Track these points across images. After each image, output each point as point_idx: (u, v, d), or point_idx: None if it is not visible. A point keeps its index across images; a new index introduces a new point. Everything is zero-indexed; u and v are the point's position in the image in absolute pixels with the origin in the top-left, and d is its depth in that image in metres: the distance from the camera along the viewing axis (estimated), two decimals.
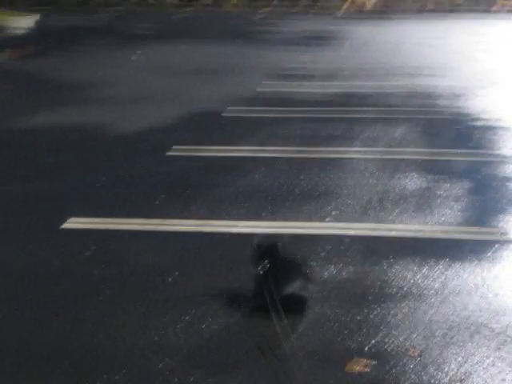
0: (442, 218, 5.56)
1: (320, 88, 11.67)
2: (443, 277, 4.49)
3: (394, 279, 4.46)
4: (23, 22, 23.46)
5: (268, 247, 4.07)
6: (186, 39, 19.21)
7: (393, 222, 5.51)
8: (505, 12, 28.19)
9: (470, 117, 9.37)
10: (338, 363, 3.49)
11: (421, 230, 5.33)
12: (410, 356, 3.56)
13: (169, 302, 4.15)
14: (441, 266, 4.64)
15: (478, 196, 6.21)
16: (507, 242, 5.16)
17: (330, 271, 4.56)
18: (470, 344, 3.67)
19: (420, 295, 4.24)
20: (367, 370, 3.44)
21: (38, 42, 18.89)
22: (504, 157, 7.46)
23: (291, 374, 3.37)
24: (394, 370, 3.44)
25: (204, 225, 5.44)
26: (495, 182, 6.60)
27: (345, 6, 30.01)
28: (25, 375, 3.43)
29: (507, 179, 6.66)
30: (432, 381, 3.36)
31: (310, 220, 5.53)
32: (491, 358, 3.54)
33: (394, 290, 4.32)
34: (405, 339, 3.72)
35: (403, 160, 7.24)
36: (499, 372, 3.43)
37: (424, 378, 3.38)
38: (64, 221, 5.49)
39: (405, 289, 4.33)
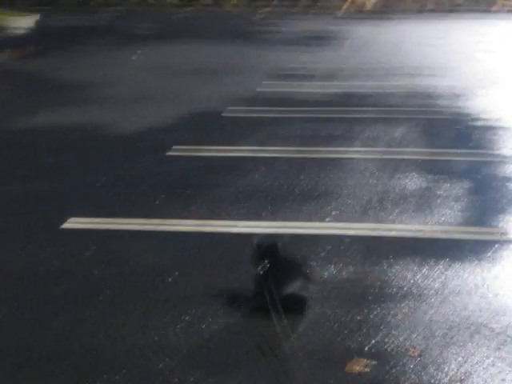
0: (442, 218, 5.56)
1: (320, 88, 11.67)
2: (443, 277, 4.49)
3: (394, 279, 4.46)
4: (23, 22, 23.47)
5: (268, 247, 4.07)
6: (186, 39, 19.22)
7: (393, 221, 5.51)
8: (505, 12, 28.19)
9: (470, 117, 9.37)
10: (338, 363, 3.49)
11: (421, 230, 5.33)
12: (410, 356, 3.55)
13: (169, 302, 4.15)
14: (441, 266, 4.64)
15: (478, 196, 6.21)
16: (507, 241, 5.16)
17: (329, 271, 4.56)
18: (470, 344, 3.67)
19: (420, 295, 4.23)
20: (367, 369, 3.44)
21: (38, 41, 18.89)
22: (504, 157, 7.46)
23: (291, 374, 3.37)
24: (393, 370, 3.44)
25: (204, 225, 5.44)
26: (495, 181, 6.60)
27: (345, 6, 30.01)
28: (25, 375, 3.43)
29: (507, 179, 6.66)
30: (432, 381, 3.36)
31: (309, 220, 5.53)
32: (491, 358, 3.54)
33: (394, 290, 4.32)
34: (405, 339, 3.72)
35: (403, 160, 7.24)
36: (499, 372, 3.43)
37: (424, 378, 3.38)
38: (64, 221, 5.49)
39: (405, 289, 4.32)
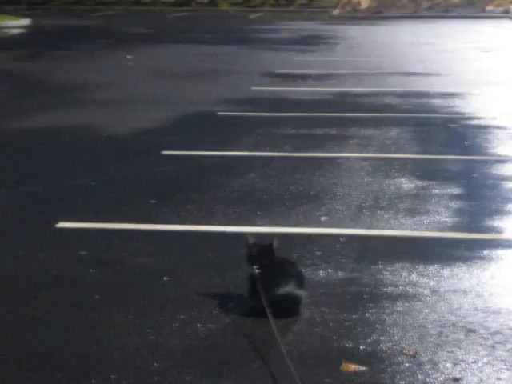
0: (438, 218, 5.57)
1: (314, 88, 11.69)
2: (438, 276, 4.49)
3: (388, 280, 4.46)
4: (17, 24, 23.41)
5: (262, 248, 4.06)
6: (182, 39, 19.23)
7: (387, 221, 5.51)
8: (499, 12, 28.25)
9: (465, 116, 9.40)
10: (333, 363, 3.49)
11: (416, 231, 5.33)
12: (405, 355, 3.55)
13: (164, 301, 4.15)
14: (436, 266, 4.65)
15: (474, 196, 6.23)
16: (502, 241, 5.18)
17: (323, 273, 4.56)
18: (465, 343, 3.67)
19: (415, 295, 4.24)
20: (362, 369, 3.44)
21: (31, 43, 18.87)
22: (499, 156, 7.48)
23: (286, 375, 3.37)
24: (389, 369, 3.44)
25: (198, 225, 5.43)
26: (491, 181, 6.61)
27: (340, 6, 30.04)
28: (21, 376, 3.42)
29: (502, 179, 6.67)
30: (427, 380, 3.36)
31: (303, 222, 5.53)
32: (487, 358, 3.54)
33: (390, 289, 4.32)
34: (400, 338, 3.72)
35: (398, 160, 7.25)
36: (495, 371, 3.43)
37: (419, 377, 3.38)
38: (58, 222, 5.47)
39: (400, 288, 4.33)
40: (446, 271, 4.56)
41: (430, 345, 3.65)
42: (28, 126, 8.93)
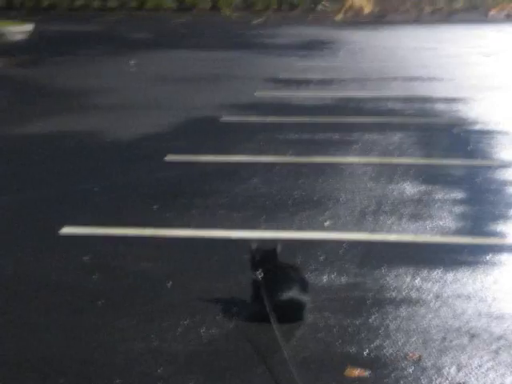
0: (441, 223, 5.56)
1: (318, 93, 11.68)
2: (442, 281, 4.49)
3: (391, 285, 4.46)
4: (20, 29, 23.43)
5: (265, 254, 4.06)
6: (185, 44, 19.22)
7: (391, 226, 5.50)
8: (503, 16, 28.22)
9: (468, 121, 9.38)
10: (336, 369, 3.48)
11: (419, 235, 5.33)
12: (409, 360, 3.55)
13: (167, 308, 4.14)
14: (439, 271, 4.64)
15: (477, 200, 6.22)
16: (505, 246, 5.17)
17: (327, 278, 4.56)
18: (469, 348, 3.67)
19: (419, 300, 4.23)
20: (366, 374, 3.43)
21: (35, 48, 18.87)
22: (502, 161, 7.47)
23: (289, 380, 3.37)
24: (393, 374, 3.43)
25: (201, 231, 5.43)
26: (493, 187, 6.60)
27: (343, 11, 30.04)
28: (24, 382, 3.42)
29: (506, 184, 6.67)
30: None
31: (306, 227, 5.52)
32: (491, 363, 3.53)
33: (393, 294, 4.31)
34: (403, 344, 3.71)
35: (401, 165, 7.24)
36: (498, 376, 3.42)
37: (423, 381, 3.37)
38: (61, 228, 5.47)
39: (403, 293, 4.33)
40: (449, 276, 4.57)
41: (434, 350, 3.65)
42: (31, 131, 8.93)
